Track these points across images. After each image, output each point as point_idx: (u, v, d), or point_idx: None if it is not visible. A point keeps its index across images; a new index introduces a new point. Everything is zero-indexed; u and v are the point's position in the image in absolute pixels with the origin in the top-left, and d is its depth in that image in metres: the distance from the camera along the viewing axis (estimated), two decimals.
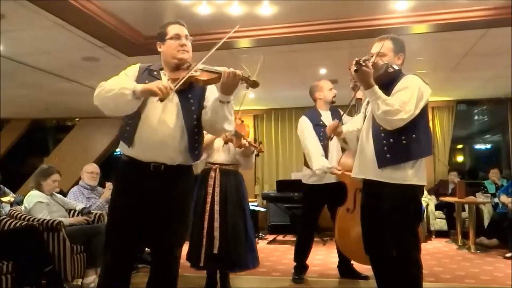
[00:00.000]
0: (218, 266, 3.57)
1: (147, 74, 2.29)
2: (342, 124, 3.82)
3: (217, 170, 3.60)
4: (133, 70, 2.31)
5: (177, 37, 2.32)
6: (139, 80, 2.24)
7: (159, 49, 2.35)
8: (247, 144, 3.49)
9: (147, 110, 2.20)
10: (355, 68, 2.31)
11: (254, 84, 2.21)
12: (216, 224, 3.48)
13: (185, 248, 3.63)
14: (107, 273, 2.26)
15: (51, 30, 4.22)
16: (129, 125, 2.22)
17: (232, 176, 3.65)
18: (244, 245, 3.53)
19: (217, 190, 3.55)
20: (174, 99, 2.23)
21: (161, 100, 2.04)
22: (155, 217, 2.23)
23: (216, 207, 3.52)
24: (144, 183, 2.20)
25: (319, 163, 3.87)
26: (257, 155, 3.56)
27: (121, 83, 2.13)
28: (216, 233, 3.46)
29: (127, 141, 2.22)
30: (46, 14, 3.80)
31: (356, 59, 2.32)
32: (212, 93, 2.39)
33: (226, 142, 3.61)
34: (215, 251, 3.43)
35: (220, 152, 3.63)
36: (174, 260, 2.32)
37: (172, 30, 2.34)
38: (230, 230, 3.48)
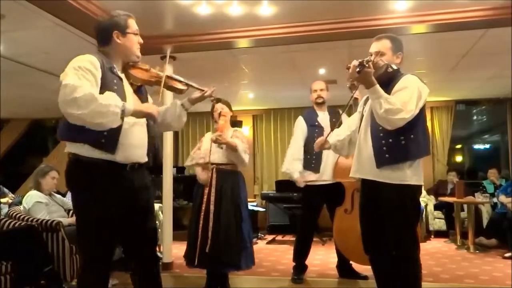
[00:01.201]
0: (210, 265, 3.58)
1: (111, 73, 2.11)
2: (341, 123, 3.85)
3: (213, 170, 3.62)
4: (97, 65, 2.05)
5: (138, 33, 2.23)
6: (107, 80, 2.07)
7: (117, 40, 2.16)
8: (213, 139, 3.52)
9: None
10: (358, 69, 2.31)
11: (217, 100, 2.65)
12: (210, 224, 3.50)
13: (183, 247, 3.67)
14: (93, 278, 2.16)
15: (51, 30, 4.22)
16: (107, 131, 2.01)
17: (229, 176, 3.65)
18: (236, 245, 3.53)
19: (213, 190, 3.58)
20: (135, 98, 2.21)
21: (154, 122, 2.13)
22: (135, 216, 2.22)
23: (211, 207, 3.54)
24: (122, 184, 2.13)
25: (290, 167, 4.07)
26: (220, 146, 3.56)
27: (109, 97, 1.96)
28: (210, 233, 3.48)
29: (109, 148, 2.05)
30: (46, 14, 3.79)
31: (360, 60, 2.33)
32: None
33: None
34: (207, 250, 3.45)
35: (214, 153, 3.63)
36: (156, 251, 2.42)
37: (134, 25, 2.22)
38: (223, 230, 3.49)
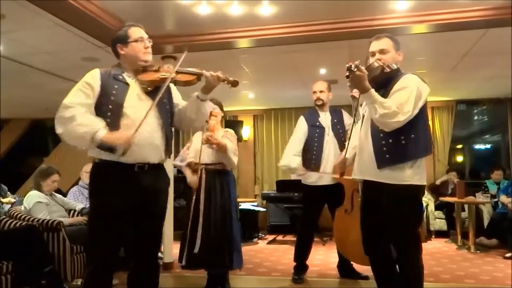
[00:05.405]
0: (200, 265, 3.59)
1: (113, 79, 2.28)
2: (344, 124, 3.89)
3: (203, 170, 3.63)
4: (96, 78, 2.25)
5: (142, 39, 2.35)
6: (107, 87, 2.24)
7: (121, 52, 2.35)
8: (205, 139, 3.50)
9: (126, 114, 2.21)
10: (347, 74, 2.31)
11: (234, 83, 2.37)
12: (200, 224, 3.51)
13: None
14: (98, 277, 2.25)
15: (51, 30, 4.22)
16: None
17: (218, 176, 3.65)
18: (226, 245, 3.53)
19: (202, 190, 3.60)
20: (148, 100, 2.28)
21: (123, 154, 2.10)
22: (142, 217, 2.27)
23: (201, 207, 3.56)
24: (130, 184, 2.20)
25: (286, 160, 4.01)
26: (211, 147, 3.54)
27: (88, 122, 2.12)
28: (199, 233, 3.49)
29: (108, 149, 2.16)
30: (46, 14, 3.79)
31: (347, 65, 2.31)
32: (175, 91, 2.52)
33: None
34: (195, 250, 3.46)
35: (204, 153, 3.63)
36: (156, 257, 2.45)
37: (136, 33, 2.36)
38: (212, 230, 3.50)
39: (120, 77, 2.31)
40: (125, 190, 2.20)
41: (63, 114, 2.15)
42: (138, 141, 2.17)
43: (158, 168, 2.33)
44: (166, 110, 2.37)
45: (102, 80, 2.25)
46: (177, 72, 2.33)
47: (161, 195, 2.37)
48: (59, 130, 2.16)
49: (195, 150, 3.69)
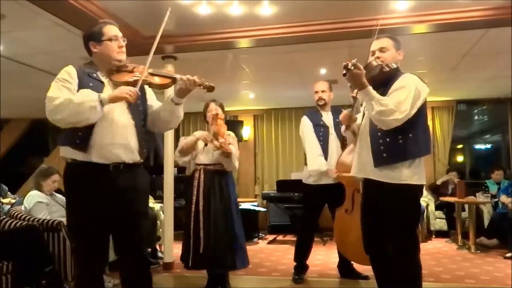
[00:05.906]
0: (205, 266, 3.60)
1: (88, 76, 2.24)
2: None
3: (201, 170, 3.64)
4: (72, 74, 2.21)
5: (116, 38, 2.29)
6: (82, 83, 2.20)
7: (94, 50, 2.28)
8: (218, 145, 3.47)
9: None
10: (343, 72, 2.31)
11: (210, 88, 2.31)
12: (201, 224, 3.52)
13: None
14: (87, 279, 2.25)
15: (51, 30, 4.22)
16: (81, 131, 2.14)
17: (216, 176, 3.65)
18: (227, 245, 3.54)
19: (201, 190, 3.60)
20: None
21: (130, 103, 2.12)
22: (121, 217, 2.23)
23: (200, 207, 3.56)
24: (105, 184, 2.17)
25: (316, 163, 3.95)
26: (226, 156, 3.52)
27: (84, 94, 2.09)
28: (201, 233, 3.50)
29: (81, 147, 2.15)
30: (46, 14, 3.79)
31: (344, 63, 2.32)
32: (150, 92, 2.49)
33: (206, 144, 3.63)
34: (201, 250, 3.48)
35: (203, 153, 3.63)
36: (143, 253, 2.41)
37: (110, 31, 2.29)
38: (213, 230, 3.51)
39: (94, 75, 2.26)
40: (100, 190, 2.17)
41: (56, 101, 2.07)
42: (110, 141, 2.16)
43: (135, 167, 2.29)
44: (140, 112, 2.33)
45: (78, 77, 2.21)
46: (152, 75, 2.29)
47: (140, 194, 2.33)
48: (59, 116, 2.06)
49: (196, 150, 3.69)
